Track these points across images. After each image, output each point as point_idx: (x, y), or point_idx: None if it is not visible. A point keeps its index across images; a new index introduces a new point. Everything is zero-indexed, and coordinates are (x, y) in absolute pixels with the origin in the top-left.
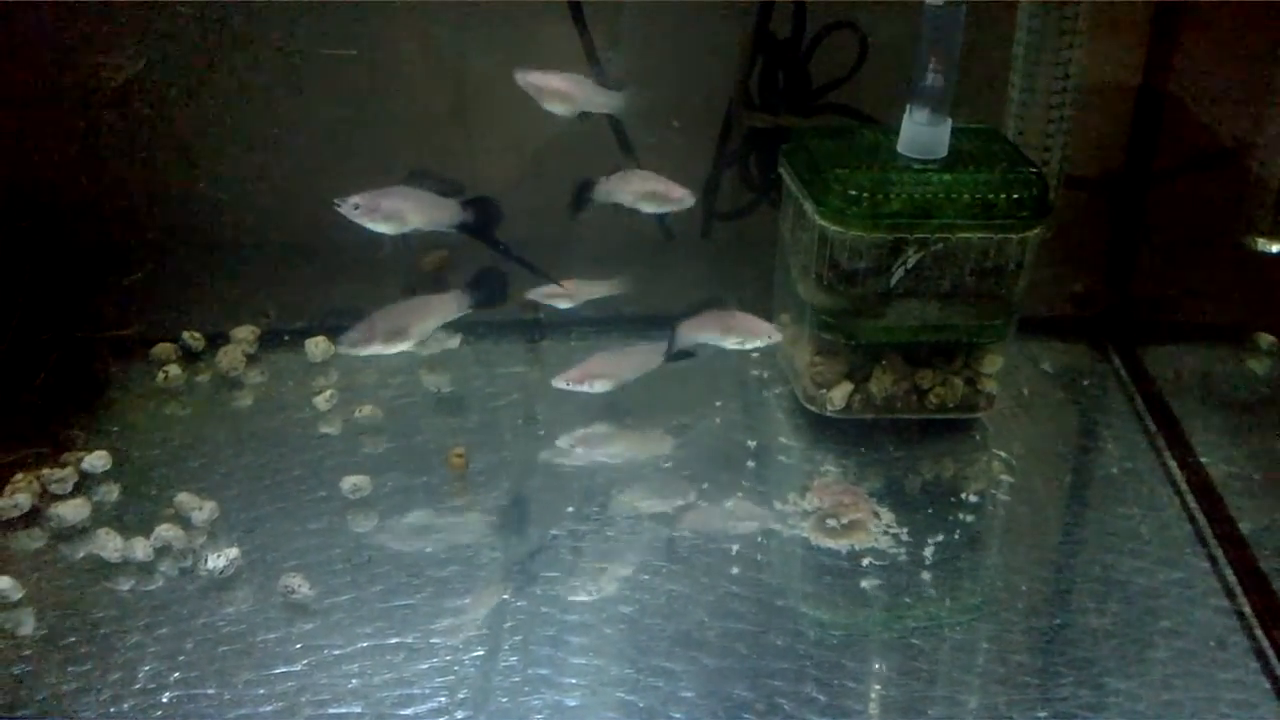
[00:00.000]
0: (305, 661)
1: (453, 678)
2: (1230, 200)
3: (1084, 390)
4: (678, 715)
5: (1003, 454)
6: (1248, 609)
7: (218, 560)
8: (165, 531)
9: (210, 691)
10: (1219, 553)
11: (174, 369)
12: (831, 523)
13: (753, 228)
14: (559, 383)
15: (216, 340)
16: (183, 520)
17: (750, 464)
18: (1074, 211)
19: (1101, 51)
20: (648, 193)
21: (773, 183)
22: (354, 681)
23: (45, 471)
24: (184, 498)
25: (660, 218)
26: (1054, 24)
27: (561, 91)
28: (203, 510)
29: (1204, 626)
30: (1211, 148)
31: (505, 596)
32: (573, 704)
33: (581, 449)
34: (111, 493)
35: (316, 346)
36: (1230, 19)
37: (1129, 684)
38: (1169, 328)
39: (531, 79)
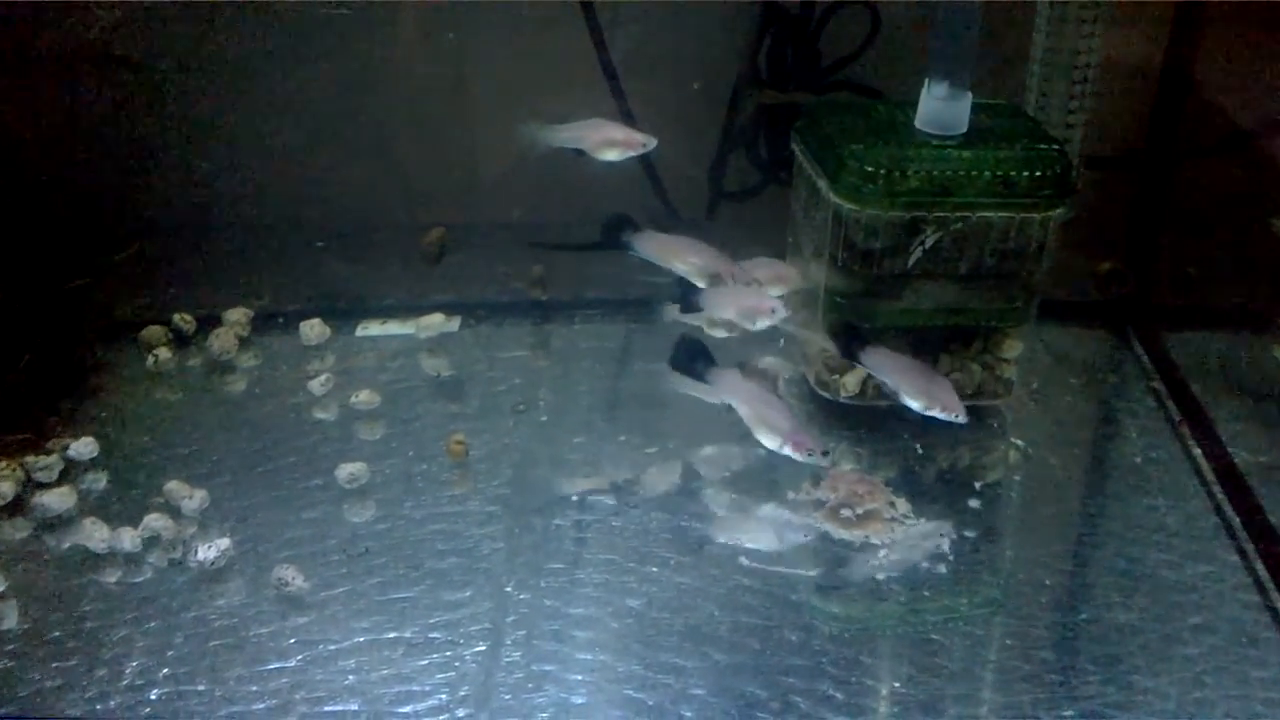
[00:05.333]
0: (300, 657)
1: (453, 674)
2: (1255, 183)
3: (1104, 377)
4: (688, 713)
5: (1021, 442)
6: (1279, 604)
7: (208, 551)
8: (154, 521)
9: (201, 688)
10: (1249, 546)
11: (164, 352)
12: (846, 513)
13: (761, 208)
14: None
15: (208, 323)
16: (172, 509)
17: (761, 452)
18: (1094, 192)
19: (1125, 29)
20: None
21: (782, 162)
22: (350, 678)
23: (29, 458)
24: (174, 486)
25: (665, 199)
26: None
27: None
28: (193, 499)
29: (1234, 622)
30: (1236, 128)
31: (508, 589)
32: (579, 701)
33: None
34: (98, 481)
35: (311, 329)
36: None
37: (1158, 681)
38: (1191, 312)
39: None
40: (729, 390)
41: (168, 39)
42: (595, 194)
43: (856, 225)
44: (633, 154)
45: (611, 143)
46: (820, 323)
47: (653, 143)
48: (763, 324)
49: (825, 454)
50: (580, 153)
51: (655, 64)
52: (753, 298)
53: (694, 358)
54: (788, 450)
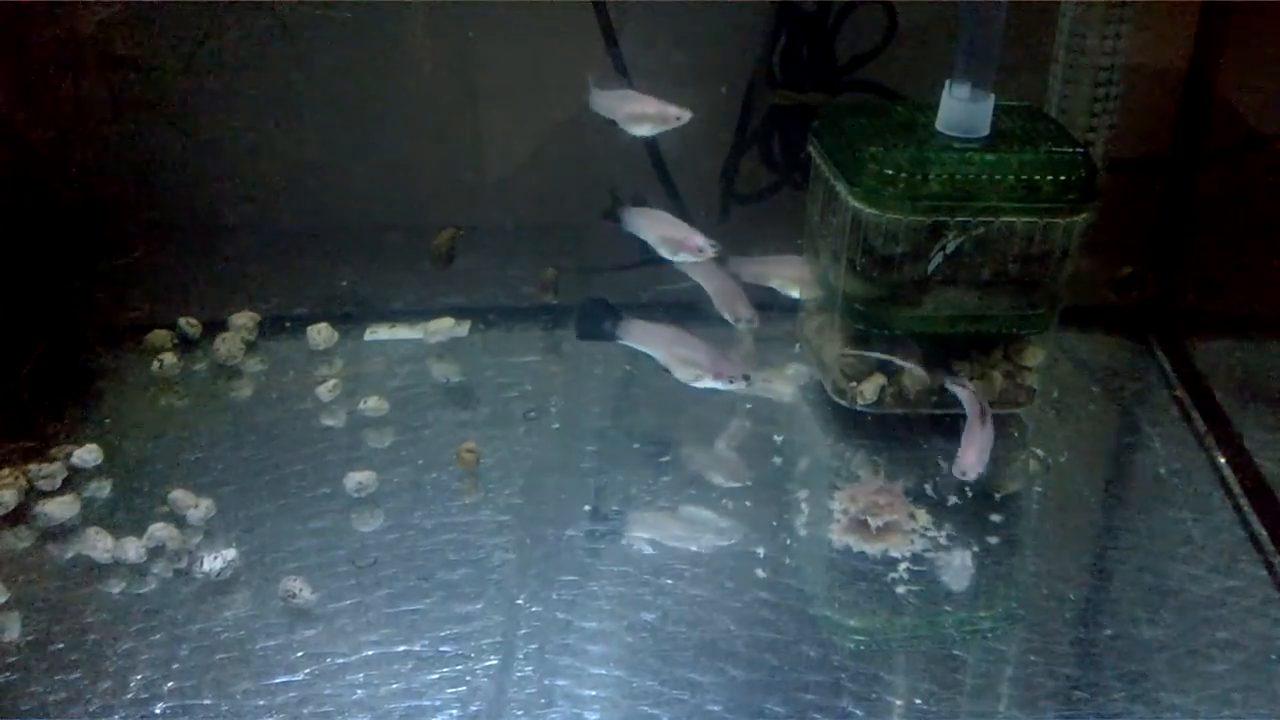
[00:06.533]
0: (307, 670)
1: (464, 689)
2: None
3: (1126, 385)
4: None
5: (1043, 452)
6: None
7: (214, 562)
8: (159, 531)
9: (206, 702)
10: (1276, 559)
11: (169, 357)
12: (867, 524)
13: (774, 210)
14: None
15: (214, 327)
16: (177, 519)
17: (777, 460)
18: (1116, 196)
19: (1149, 30)
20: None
21: (796, 163)
22: (359, 692)
23: (32, 466)
24: (179, 495)
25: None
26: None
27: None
28: (198, 508)
29: (1263, 638)
30: (1263, 131)
31: (520, 601)
32: (593, 718)
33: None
34: (102, 489)
35: (319, 334)
36: None
37: (1185, 699)
38: (1216, 318)
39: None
40: (641, 339)
41: (172, 40)
42: (606, 194)
43: (876, 229)
44: (666, 128)
45: (644, 117)
46: (837, 330)
47: (687, 115)
48: (683, 258)
49: (746, 378)
50: (612, 123)
51: (667, 63)
52: (681, 230)
53: (599, 320)
54: (709, 382)
